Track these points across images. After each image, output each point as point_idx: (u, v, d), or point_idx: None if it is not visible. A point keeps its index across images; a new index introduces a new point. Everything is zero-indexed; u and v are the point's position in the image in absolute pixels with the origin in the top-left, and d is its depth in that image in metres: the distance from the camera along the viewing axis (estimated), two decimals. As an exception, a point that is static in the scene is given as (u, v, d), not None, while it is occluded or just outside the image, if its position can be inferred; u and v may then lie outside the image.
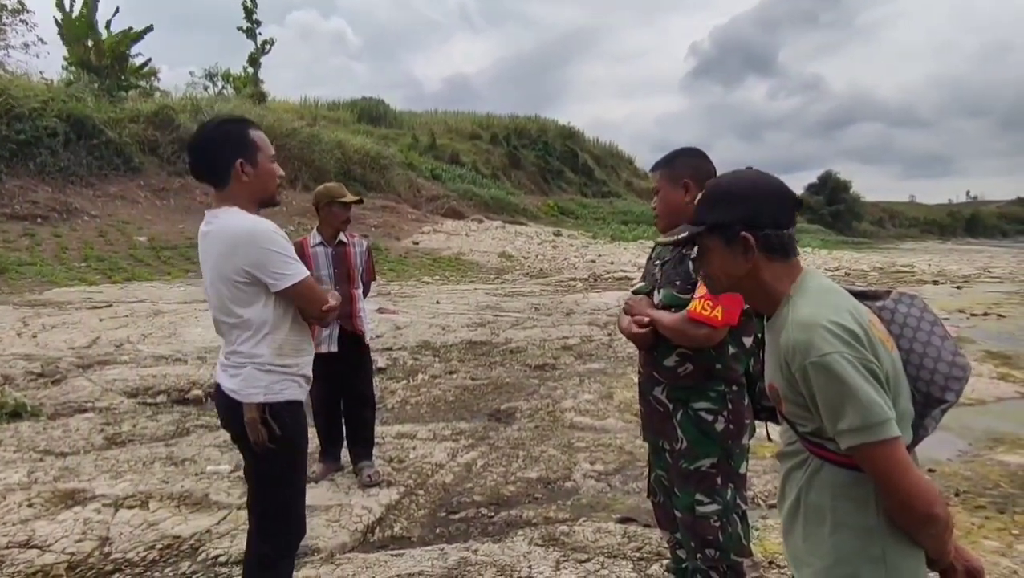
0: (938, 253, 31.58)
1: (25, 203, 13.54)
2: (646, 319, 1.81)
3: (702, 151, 1.90)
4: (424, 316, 8.84)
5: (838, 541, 1.11)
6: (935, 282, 15.66)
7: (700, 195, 1.25)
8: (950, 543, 1.08)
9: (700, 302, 1.66)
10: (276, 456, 1.79)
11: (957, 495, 3.33)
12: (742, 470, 1.83)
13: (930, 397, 1.13)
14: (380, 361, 6.00)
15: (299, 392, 1.87)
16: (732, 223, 1.15)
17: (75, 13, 19.47)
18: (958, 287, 14.51)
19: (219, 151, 1.79)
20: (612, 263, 17.82)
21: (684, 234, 1.23)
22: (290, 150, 20.36)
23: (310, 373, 1.91)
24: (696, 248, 1.31)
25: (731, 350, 1.76)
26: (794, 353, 1.06)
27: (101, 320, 7.39)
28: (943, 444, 4.08)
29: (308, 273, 1.84)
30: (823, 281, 1.15)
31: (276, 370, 1.80)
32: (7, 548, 2.59)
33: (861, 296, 1.19)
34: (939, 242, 51.90)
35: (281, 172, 1.92)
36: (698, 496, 1.78)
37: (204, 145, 1.83)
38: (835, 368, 1.01)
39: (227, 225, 1.77)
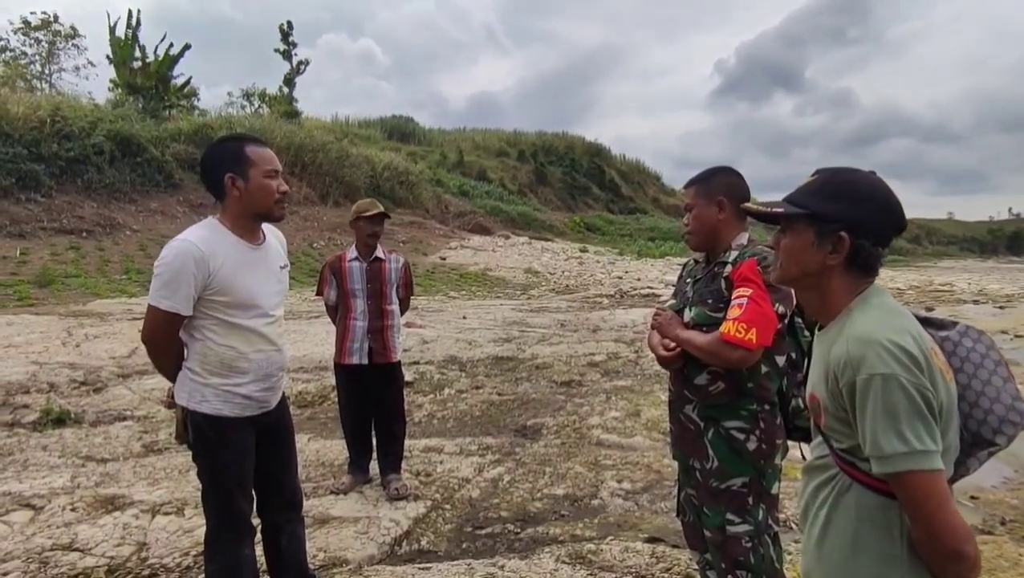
0: (979, 271, 30.52)
1: (72, 218, 14.15)
2: (672, 343, 1.81)
3: (737, 171, 1.88)
4: (451, 331, 8.90)
5: (858, 566, 1.08)
6: (976, 302, 15.12)
7: (811, 178, 1.17)
8: None
9: (735, 325, 1.64)
10: (197, 454, 1.95)
11: (1003, 524, 3.20)
12: (774, 490, 1.80)
13: (979, 437, 1.10)
14: (407, 375, 6.03)
15: (225, 407, 1.90)
16: (836, 219, 1.10)
17: (121, 37, 20.45)
18: (1001, 307, 13.99)
19: (214, 167, 1.92)
20: (639, 279, 17.69)
21: (779, 209, 1.16)
22: (321, 166, 20.88)
23: (254, 393, 1.94)
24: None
25: (764, 369, 1.75)
26: (845, 367, 1.04)
27: (140, 331, 7.64)
28: (988, 471, 3.91)
29: (166, 305, 1.81)
30: (888, 300, 1.12)
31: (198, 381, 1.88)
32: (51, 550, 2.68)
33: (925, 323, 1.15)
34: (980, 260, 50.17)
35: (283, 188, 1.95)
36: (729, 515, 1.76)
37: (205, 162, 1.97)
38: (886, 388, 0.98)
39: None
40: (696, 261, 1.98)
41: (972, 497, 3.59)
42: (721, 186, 1.83)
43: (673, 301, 1.98)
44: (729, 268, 1.77)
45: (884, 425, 0.99)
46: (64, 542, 2.75)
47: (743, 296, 1.67)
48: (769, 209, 1.19)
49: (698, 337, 1.75)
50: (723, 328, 1.67)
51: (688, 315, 1.85)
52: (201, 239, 1.85)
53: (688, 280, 1.95)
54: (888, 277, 21.72)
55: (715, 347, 1.69)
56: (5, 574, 2.50)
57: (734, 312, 1.66)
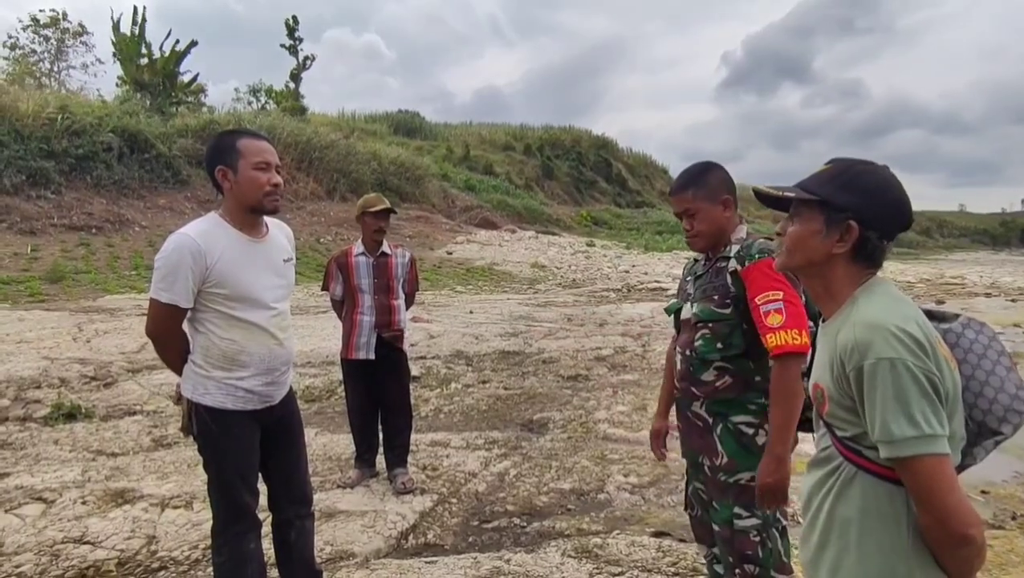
0: (991, 264, 30.22)
1: (82, 215, 14.26)
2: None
3: (718, 163, 1.86)
4: (457, 325, 8.91)
5: (863, 558, 1.07)
6: (987, 295, 14.97)
7: (825, 167, 1.17)
8: (978, 570, 1.03)
9: (788, 333, 1.57)
10: (201, 446, 1.96)
11: (1014, 519, 3.17)
12: (782, 485, 1.79)
13: (985, 427, 1.10)
14: (414, 369, 6.06)
15: (227, 401, 1.91)
16: (846, 208, 1.11)
17: (127, 33, 20.52)
18: (1013, 300, 13.84)
19: (209, 161, 1.93)
20: (646, 273, 17.63)
21: (791, 193, 1.16)
22: (328, 162, 20.92)
23: (256, 388, 1.94)
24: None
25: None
26: (852, 352, 1.04)
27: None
28: (998, 465, 3.89)
29: (165, 298, 1.83)
30: (893, 289, 1.13)
31: (201, 374, 1.90)
32: (63, 542, 2.72)
33: (927, 316, 1.15)
34: (992, 252, 49.67)
35: (274, 180, 1.91)
36: (737, 509, 1.75)
37: (205, 156, 1.99)
38: (894, 373, 0.99)
39: None
40: (695, 260, 1.97)
41: (983, 491, 3.55)
42: (722, 184, 1.82)
43: (675, 301, 1.98)
44: (733, 262, 1.76)
45: (893, 409, 0.99)
46: (75, 535, 2.78)
47: (776, 300, 1.62)
48: (781, 193, 1.19)
49: (777, 417, 1.62)
50: (773, 342, 1.60)
51: (690, 311, 1.84)
52: (199, 232, 1.86)
53: (689, 277, 1.95)
54: (899, 270, 21.51)
55: (785, 383, 1.59)
56: (17, 567, 2.53)
57: (775, 320, 1.60)
